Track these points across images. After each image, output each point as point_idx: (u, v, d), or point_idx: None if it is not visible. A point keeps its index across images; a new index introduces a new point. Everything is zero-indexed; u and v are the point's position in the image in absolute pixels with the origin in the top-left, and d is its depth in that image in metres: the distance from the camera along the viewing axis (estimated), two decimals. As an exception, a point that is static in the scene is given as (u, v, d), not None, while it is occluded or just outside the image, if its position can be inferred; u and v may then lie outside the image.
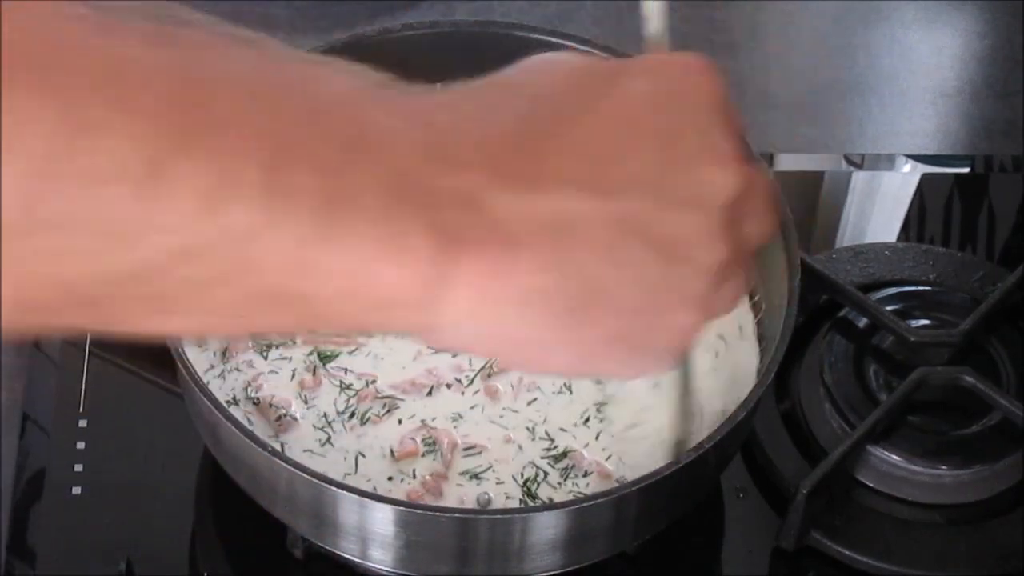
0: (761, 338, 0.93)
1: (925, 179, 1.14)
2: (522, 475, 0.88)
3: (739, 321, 0.93)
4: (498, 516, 0.83)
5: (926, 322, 0.99)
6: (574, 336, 0.56)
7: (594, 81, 0.58)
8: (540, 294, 0.55)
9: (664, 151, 0.57)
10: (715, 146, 0.58)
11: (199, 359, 0.90)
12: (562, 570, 0.86)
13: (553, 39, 0.98)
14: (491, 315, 0.54)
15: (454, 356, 0.91)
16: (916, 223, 1.11)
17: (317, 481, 0.80)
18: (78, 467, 0.95)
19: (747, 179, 0.58)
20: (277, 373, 0.90)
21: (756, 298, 0.94)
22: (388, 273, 0.52)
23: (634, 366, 0.59)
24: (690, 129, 0.58)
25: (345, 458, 0.87)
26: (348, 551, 0.85)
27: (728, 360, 0.92)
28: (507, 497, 0.87)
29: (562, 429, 0.89)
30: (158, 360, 0.96)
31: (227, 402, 0.88)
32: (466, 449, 0.88)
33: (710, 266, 0.57)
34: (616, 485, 0.84)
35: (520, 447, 0.89)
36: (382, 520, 0.81)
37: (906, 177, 1.15)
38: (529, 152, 0.55)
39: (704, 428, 0.85)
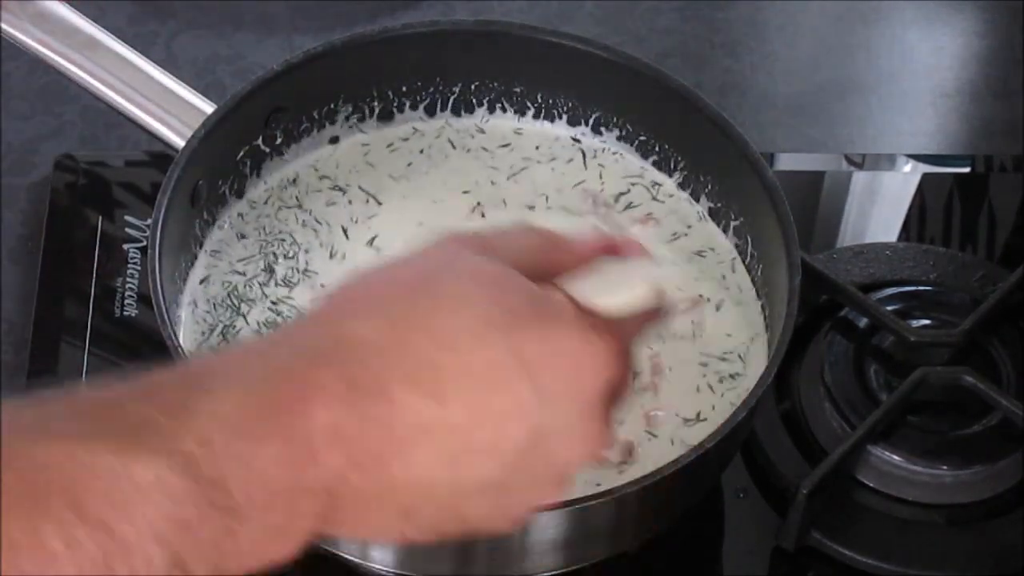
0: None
1: (925, 179, 1.14)
2: None
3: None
4: (498, 516, 0.83)
5: (926, 322, 0.99)
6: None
7: (489, 332, 0.60)
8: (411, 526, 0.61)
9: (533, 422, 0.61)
10: (579, 433, 0.63)
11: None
12: (562, 570, 0.86)
13: (553, 39, 0.98)
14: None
15: None
16: (916, 223, 1.11)
17: (317, 481, 0.80)
18: (78, 467, 0.95)
19: (598, 451, 0.64)
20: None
21: (760, 303, 0.94)
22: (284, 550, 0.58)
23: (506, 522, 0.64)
24: (563, 414, 0.62)
25: None
26: (348, 551, 0.85)
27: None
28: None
29: None
30: (158, 360, 0.96)
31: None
32: None
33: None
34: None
35: None
36: (382, 520, 0.81)
37: (906, 177, 1.15)
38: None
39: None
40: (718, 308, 0.94)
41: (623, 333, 0.65)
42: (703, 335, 0.93)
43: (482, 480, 0.60)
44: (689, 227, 0.98)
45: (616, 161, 1.01)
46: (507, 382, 0.60)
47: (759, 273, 0.94)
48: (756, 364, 0.91)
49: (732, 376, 0.91)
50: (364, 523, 0.59)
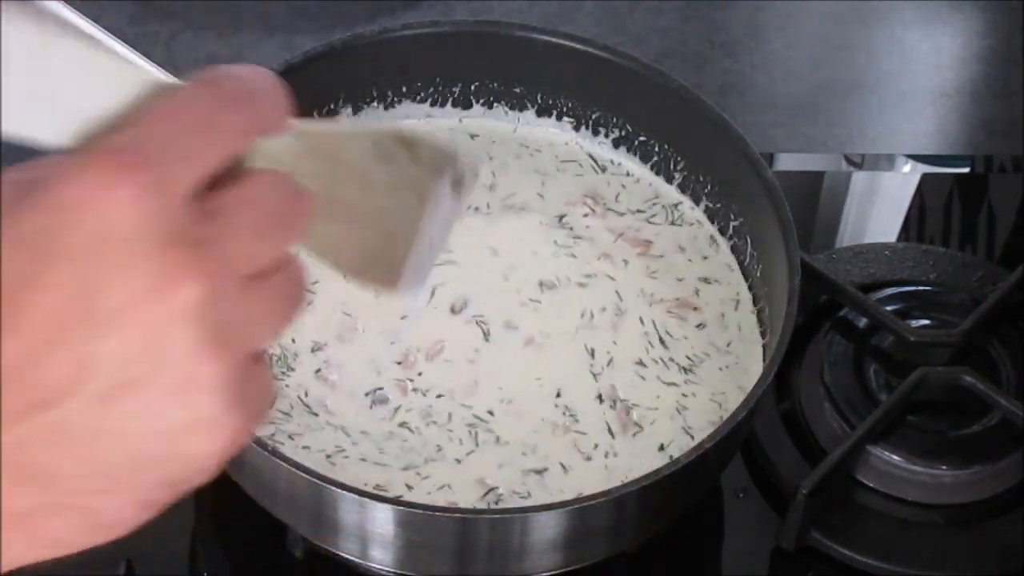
0: (762, 336, 0.93)
1: (925, 179, 1.14)
2: None
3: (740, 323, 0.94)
4: (498, 516, 0.83)
5: (926, 322, 0.99)
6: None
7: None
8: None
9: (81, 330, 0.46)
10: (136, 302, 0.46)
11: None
12: (562, 570, 0.86)
13: (553, 39, 0.98)
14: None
15: None
16: (916, 223, 1.11)
17: (317, 481, 0.80)
18: (78, 467, 0.95)
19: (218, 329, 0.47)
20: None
21: (760, 304, 0.94)
22: None
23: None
24: (122, 268, 0.46)
25: None
26: (348, 551, 0.85)
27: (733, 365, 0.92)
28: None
29: None
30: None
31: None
32: None
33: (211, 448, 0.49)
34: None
35: None
36: (382, 520, 0.81)
37: (906, 177, 1.15)
38: None
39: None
40: (699, 326, 0.94)
41: (157, 145, 0.50)
42: (667, 332, 0.93)
43: (139, 394, 0.47)
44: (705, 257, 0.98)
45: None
46: (35, 275, 0.45)
47: (758, 274, 0.95)
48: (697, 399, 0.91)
49: (681, 366, 0.92)
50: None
